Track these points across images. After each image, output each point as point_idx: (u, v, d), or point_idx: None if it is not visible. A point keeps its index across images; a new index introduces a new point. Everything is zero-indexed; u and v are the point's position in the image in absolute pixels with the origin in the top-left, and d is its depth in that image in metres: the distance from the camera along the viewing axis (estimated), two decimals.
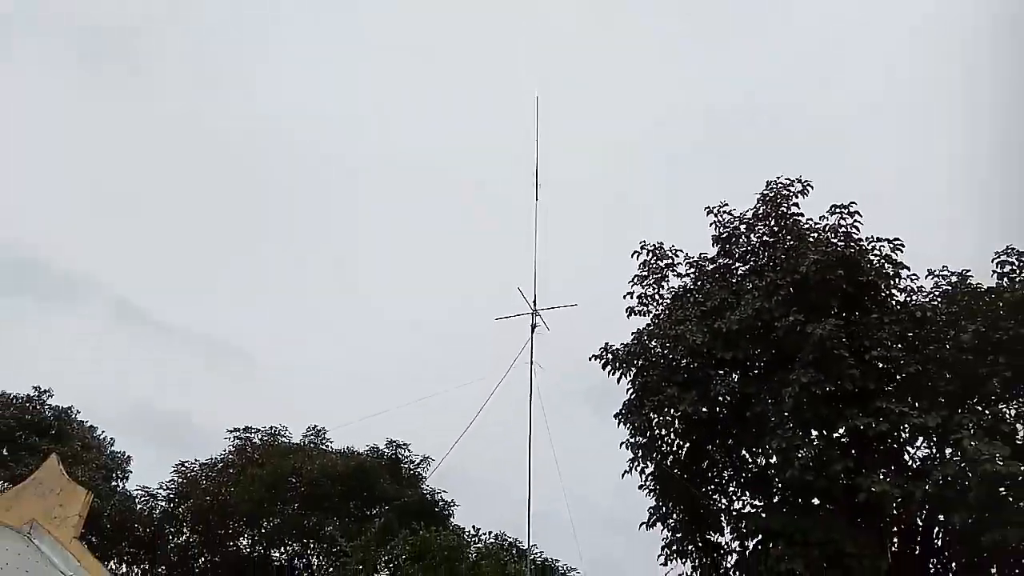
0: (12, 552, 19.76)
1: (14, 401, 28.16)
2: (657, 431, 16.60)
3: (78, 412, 29.65)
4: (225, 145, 63.86)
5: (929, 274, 15.97)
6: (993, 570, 15.12)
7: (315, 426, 28.77)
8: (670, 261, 17.56)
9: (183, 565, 27.71)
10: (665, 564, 16.64)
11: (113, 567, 24.20)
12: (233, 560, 26.78)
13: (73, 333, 52.75)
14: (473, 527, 16.55)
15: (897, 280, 15.93)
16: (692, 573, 16.58)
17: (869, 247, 15.84)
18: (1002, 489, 13.41)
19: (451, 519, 24.17)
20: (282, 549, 27.34)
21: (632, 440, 16.60)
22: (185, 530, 27.64)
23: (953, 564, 15.58)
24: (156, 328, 57.59)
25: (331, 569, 20.72)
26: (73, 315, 56.97)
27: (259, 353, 63.72)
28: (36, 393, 28.89)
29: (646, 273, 17.44)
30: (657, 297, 17.39)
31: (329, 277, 65.84)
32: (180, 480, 27.86)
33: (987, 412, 14.56)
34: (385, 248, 64.89)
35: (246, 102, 68.10)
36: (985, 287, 15.31)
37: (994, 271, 15.23)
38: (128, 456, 30.54)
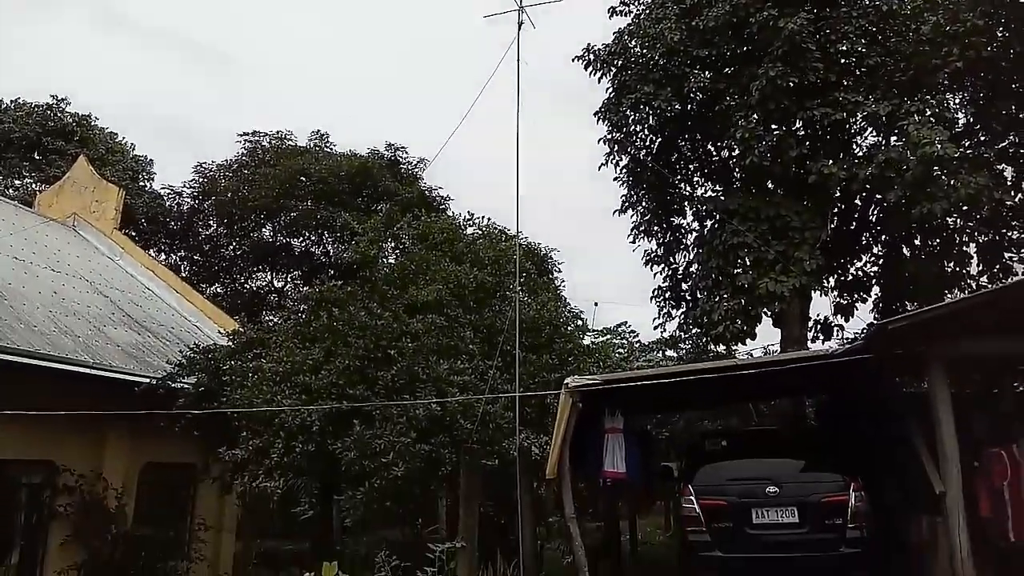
0: (62, 240, 20.14)
1: (35, 109, 27.00)
2: (632, 127, 16.23)
3: (98, 119, 28.66)
4: None
5: None
6: (916, 241, 15.73)
7: (319, 130, 28.08)
8: None
9: (215, 253, 28.42)
10: (633, 242, 17.22)
11: (152, 255, 24.72)
12: (258, 248, 27.37)
13: (55, 40, 48.58)
14: (468, 212, 16.71)
15: None
16: (656, 249, 17.20)
17: None
18: (936, 169, 13.38)
19: (448, 211, 24.40)
20: (300, 239, 27.85)
21: (609, 136, 16.24)
22: (212, 223, 27.95)
23: (884, 236, 16.16)
24: (141, 33, 52.55)
25: (345, 254, 21.21)
26: (53, 23, 52.29)
27: (254, 58, 60.05)
28: (55, 101, 27.66)
29: None
30: None
31: None
32: (201, 179, 27.63)
33: (934, 101, 14.16)
34: None
35: None
36: None
37: None
38: (151, 159, 30.15)
